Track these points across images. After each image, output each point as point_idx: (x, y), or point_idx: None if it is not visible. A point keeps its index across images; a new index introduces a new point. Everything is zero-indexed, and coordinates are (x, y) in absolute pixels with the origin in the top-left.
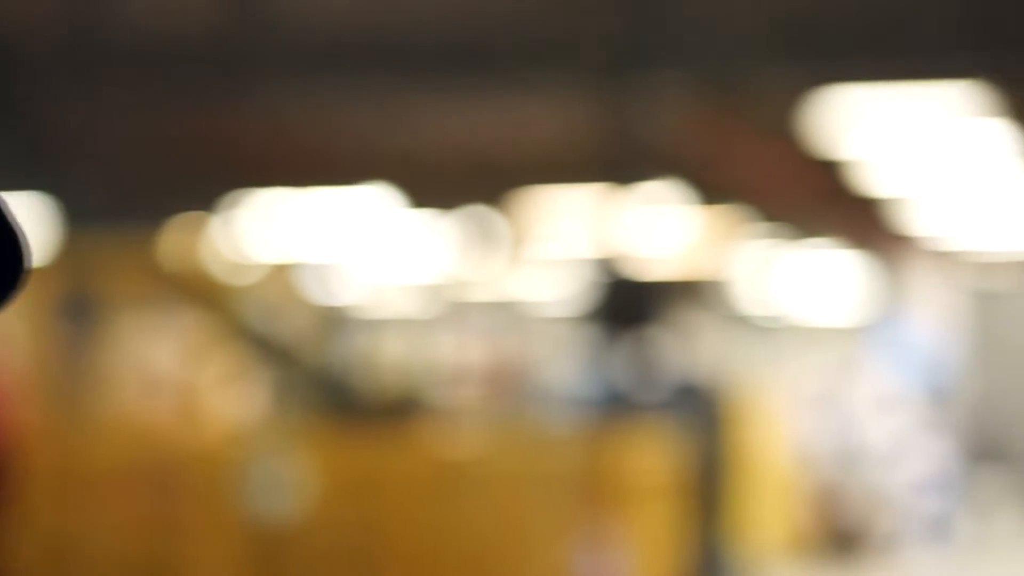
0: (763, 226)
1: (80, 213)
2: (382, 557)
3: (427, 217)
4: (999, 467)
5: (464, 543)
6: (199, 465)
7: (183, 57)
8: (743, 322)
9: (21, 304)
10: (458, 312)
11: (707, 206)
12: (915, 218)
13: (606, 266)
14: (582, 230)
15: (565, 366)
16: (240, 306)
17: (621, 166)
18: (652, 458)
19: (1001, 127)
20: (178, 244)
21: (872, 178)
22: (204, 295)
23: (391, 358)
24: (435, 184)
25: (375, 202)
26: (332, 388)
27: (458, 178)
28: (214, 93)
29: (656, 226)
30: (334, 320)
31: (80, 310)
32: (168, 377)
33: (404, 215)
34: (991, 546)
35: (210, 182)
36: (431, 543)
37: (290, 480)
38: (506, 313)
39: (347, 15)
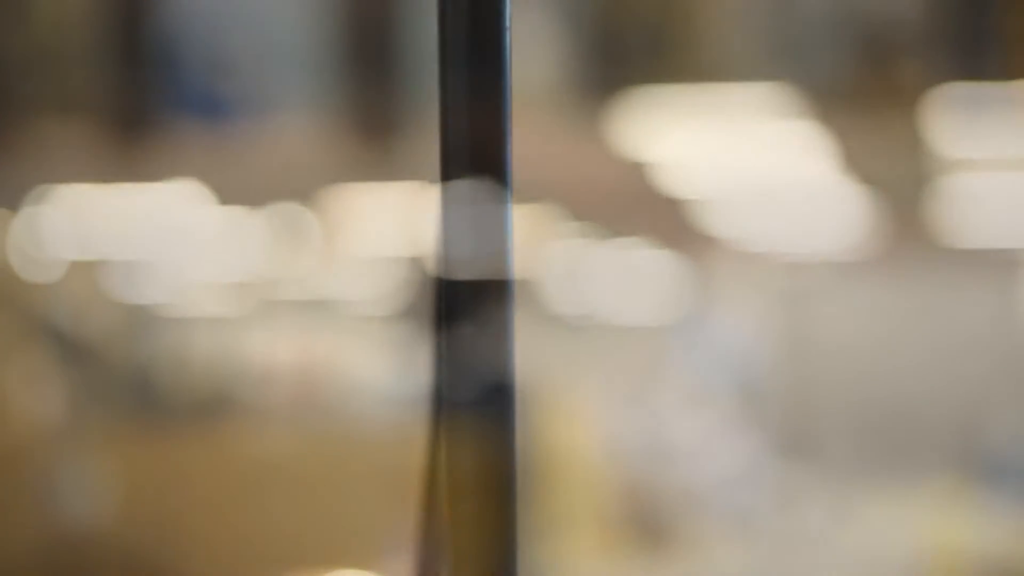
0: (573, 226)
1: None
2: (188, 558)
3: (237, 214)
4: (807, 462)
5: (274, 543)
6: (0, 466)
7: None
8: (555, 320)
9: None
10: (270, 310)
11: (518, 205)
12: (723, 219)
13: (419, 264)
14: (395, 228)
15: (378, 364)
16: (43, 304)
17: (432, 165)
18: (465, 457)
19: (806, 129)
20: None
21: (680, 179)
22: (5, 293)
23: (200, 357)
24: (245, 180)
25: (184, 199)
26: (139, 387)
27: (269, 174)
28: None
29: (470, 225)
30: (142, 318)
31: None
32: None
33: (213, 212)
34: (799, 540)
35: (10, 176)
36: (240, 543)
37: (93, 481)
38: (319, 311)
39: (117, 14)
